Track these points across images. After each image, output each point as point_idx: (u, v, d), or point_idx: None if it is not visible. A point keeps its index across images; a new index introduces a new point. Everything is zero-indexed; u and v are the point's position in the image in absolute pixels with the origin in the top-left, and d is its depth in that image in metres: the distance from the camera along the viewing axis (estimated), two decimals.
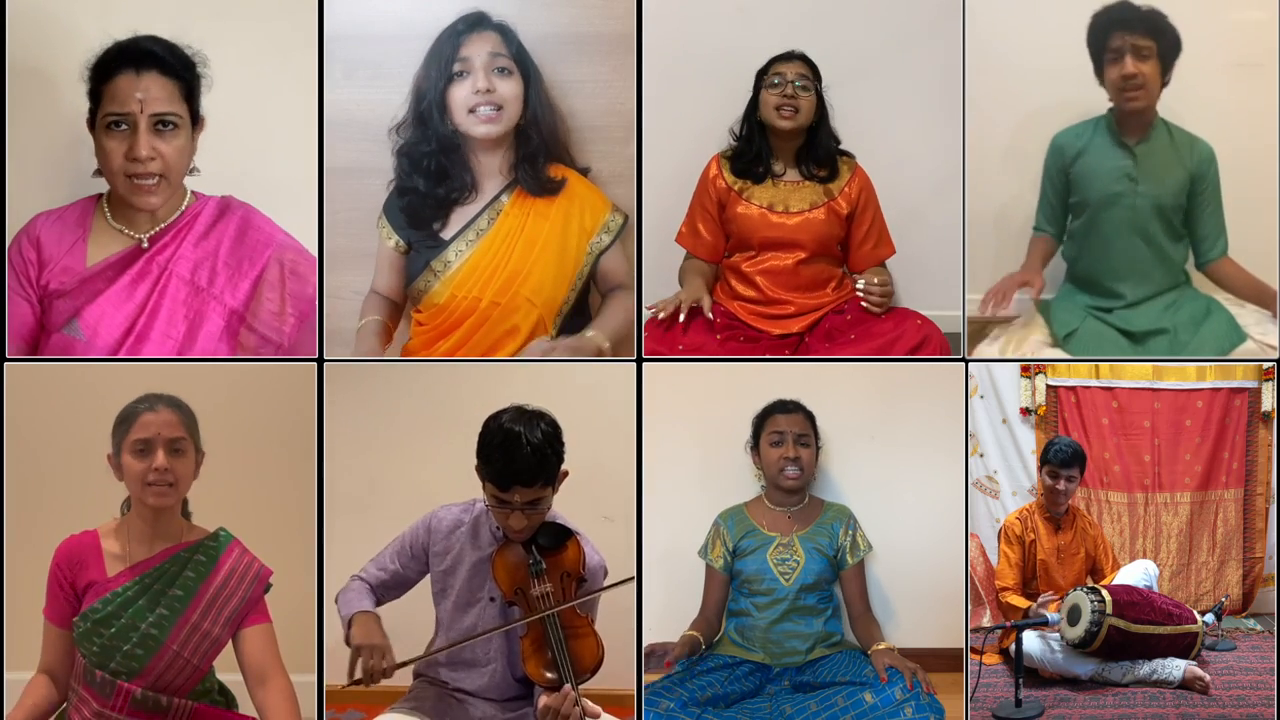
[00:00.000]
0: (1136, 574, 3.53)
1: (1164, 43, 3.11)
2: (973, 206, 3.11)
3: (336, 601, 2.78)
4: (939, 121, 3.15)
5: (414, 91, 3.07)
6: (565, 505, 2.77)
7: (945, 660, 3.07)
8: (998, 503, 3.68)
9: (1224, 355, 3.15)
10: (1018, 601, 3.43)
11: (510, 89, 3.02)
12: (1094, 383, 3.74)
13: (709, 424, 3.31)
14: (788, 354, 3.16)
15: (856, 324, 3.16)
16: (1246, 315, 3.19)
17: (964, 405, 3.10)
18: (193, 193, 2.94)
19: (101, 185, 2.91)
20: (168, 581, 2.65)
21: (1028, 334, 3.23)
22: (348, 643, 2.67)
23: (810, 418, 3.18)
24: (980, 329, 3.21)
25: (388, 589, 2.82)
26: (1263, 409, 3.69)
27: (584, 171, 3.16)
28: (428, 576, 2.85)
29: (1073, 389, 3.73)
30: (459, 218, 3.10)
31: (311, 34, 3.02)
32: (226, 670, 2.73)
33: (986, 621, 3.52)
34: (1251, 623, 3.76)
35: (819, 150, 3.22)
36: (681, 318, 3.07)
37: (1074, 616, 3.27)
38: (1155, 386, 3.74)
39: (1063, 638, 3.30)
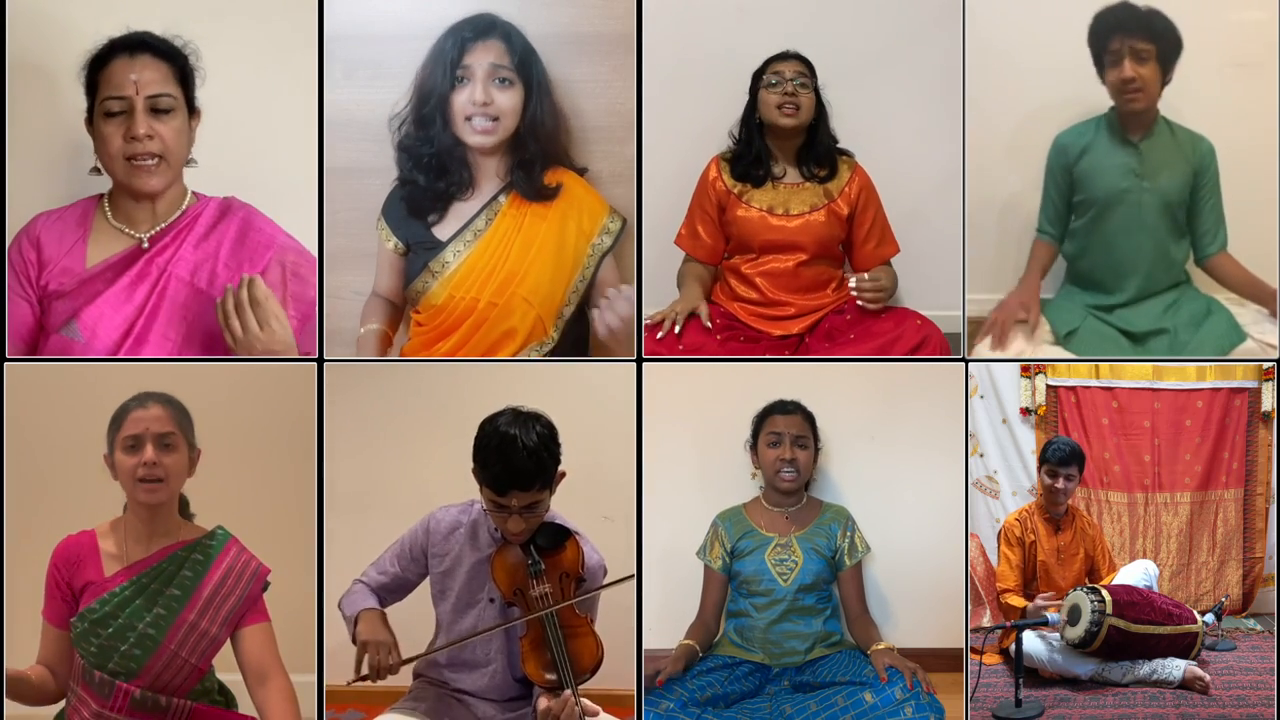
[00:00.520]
0: (1136, 574, 3.53)
1: (1163, 44, 3.11)
2: (973, 206, 3.11)
3: (340, 606, 2.79)
4: (940, 120, 3.15)
5: (417, 88, 3.06)
6: (565, 505, 2.77)
7: (945, 660, 3.07)
8: (998, 503, 3.68)
9: (1224, 355, 3.15)
10: (1019, 603, 3.43)
11: (509, 101, 3.01)
12: (1094, 383, 3.74)
13: (708, 424, 3.31)
14: (788, 354, 3.16)
15: (856, 324, 3.16)
16: (1246, 315, 3.19)
17: (964, 405, 3.09)
18: (193, 193, 2.94)
19: (100, 185, 2.91)
20: (165, 581, 2.65)
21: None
22: (354, 640, 2.68)
23: (810, 419, 3.18)
24: (980, 329, 3.21)
25: (389, 592, 2.82)
26: (1263, 409, 3.69)
27: (581, 171, 3.16)
28: (428, 578, 2.85)
29: (1073, 389, 3.73)
30: (457, 217, 3.10)
31: (311, 34, 3.02)
32: (226, 670, 2.73)
33: (986, 621, 3.52)
34: (1251, 623, 3.76)
35: (819, 149, 3.22)
36: (677, 329, 3.07)
37: (1074, 616, 3.27)
38: (1155, 386, 3.74)
39: (1063, 638, 3.30)
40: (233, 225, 2.92)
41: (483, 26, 3.01)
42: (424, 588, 2.85)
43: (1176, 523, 3.80)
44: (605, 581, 2.77)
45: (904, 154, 3.30)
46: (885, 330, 3.13)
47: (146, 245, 2.89)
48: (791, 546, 3.14)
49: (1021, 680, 3.12)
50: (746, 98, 3.21)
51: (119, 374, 2.81)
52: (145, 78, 2.78)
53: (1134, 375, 3.71)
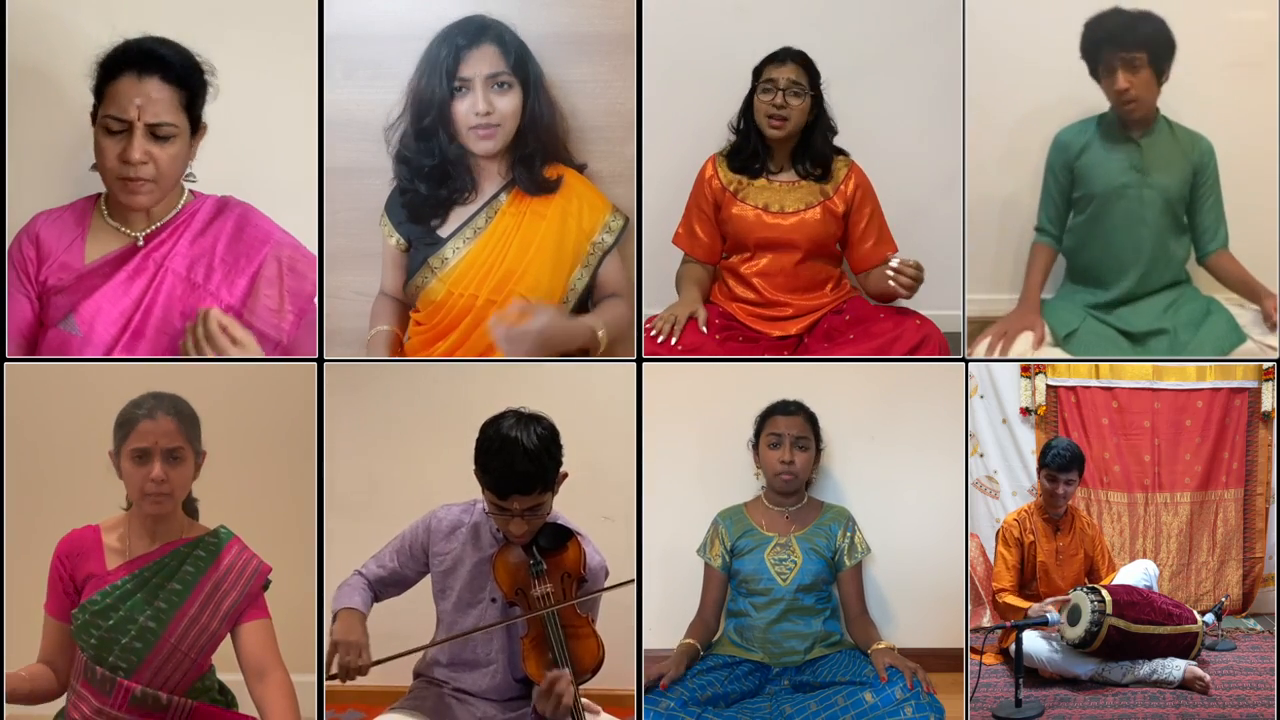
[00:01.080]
0: (1136, 574, 3.53)
1: (1155, 48, 3.11)
2: (973, 205, 3.11)
3: (335, 594, 2.79)
4: (939, 120, 3.15)
5: (412, 99, 3.04)
6: (565, 505, 2.77)
7: (945, 660, 3.07)
8: (998, 503, 3.69)
9: (1224, 355, 3.15)
10: (1015, 602, 3.43)
11: (508, 104, 3.01)
12: (1094, 383, 3.74)
13: (709, 424, 3.31)
14: (787, 354, 3.16)
15: (855, 324, 3.16)
16: (1246, 316, 3.19)
17: (964, 405, 3.09)
18: (190, 191, 2.94)
19: (99, 183, 2.91)
20: (166, 575, 2.65)
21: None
22: (330, 636, 2.68)
23: (812, 420, 3.17)
24: (980, 329, 3.21)
25: (386, 586, 2.82)
26: (1263, 409, 3.69)
27: (580, 168, 3.16)
28: (428, 576, 2.85)
29: (1073, 389, 3.73)
30: (458, 216, 3.10)
31: (311, 34, 3.02)
32: (226, 670, 2.73)
33: (986, 621, 3.52)
34: (1251, 623, 3.76)
35: (814, 149, 3.22)
36: (675, 340, 3.06)
37: (1074, 616, 3.27)
38: (1155, 386, 3.75)
39: (1063, 638, 3.30)
40: (229, 221, 2.92)
41: (474, 31, 2.99)
42: (424, 586, 2.85)
43: (1176, 523, 3.80)
44: (607, 583, 2.76)
45: (904, 154, 3.31)
46: (885, 330, 3.12)
47: (142, 243, 2.89)
48: (791, 546, 3.14)
49: (1021, 680, 3.12)
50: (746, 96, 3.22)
51: (120, 373, 2.81)
52: (149, 103, 2.75)
53: (1134, 375, 3.71)
